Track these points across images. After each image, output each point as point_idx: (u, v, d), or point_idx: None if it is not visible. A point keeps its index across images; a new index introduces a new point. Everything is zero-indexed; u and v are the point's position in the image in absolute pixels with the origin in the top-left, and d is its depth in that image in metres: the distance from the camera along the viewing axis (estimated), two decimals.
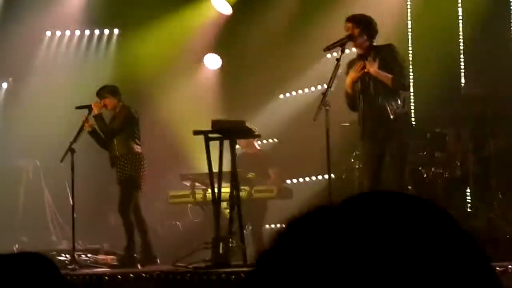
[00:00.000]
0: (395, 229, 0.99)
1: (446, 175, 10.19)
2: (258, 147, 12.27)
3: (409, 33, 12.21)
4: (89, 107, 9.92)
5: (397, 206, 1.03)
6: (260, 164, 11.63)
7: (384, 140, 8.20)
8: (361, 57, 8.34)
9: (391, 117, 8.12)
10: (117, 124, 9.83)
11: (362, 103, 8.21)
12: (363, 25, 8.27)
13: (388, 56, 8.24)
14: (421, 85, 11.66)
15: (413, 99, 11.84)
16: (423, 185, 10.08)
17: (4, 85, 14.65)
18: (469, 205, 10.39)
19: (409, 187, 10.10)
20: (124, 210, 9.79)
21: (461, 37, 11.65)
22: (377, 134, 8.20)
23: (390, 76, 8.11)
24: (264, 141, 13.37)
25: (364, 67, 8.21)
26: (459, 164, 10.30)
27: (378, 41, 8.41)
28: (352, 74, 8.27)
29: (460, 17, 11.68)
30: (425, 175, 10.16)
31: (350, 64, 8.41)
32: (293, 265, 0.99)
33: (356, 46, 8.44)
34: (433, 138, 10.35)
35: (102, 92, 9.99)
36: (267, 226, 11.97)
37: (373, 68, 8.13)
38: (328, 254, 0.98)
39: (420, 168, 10.18)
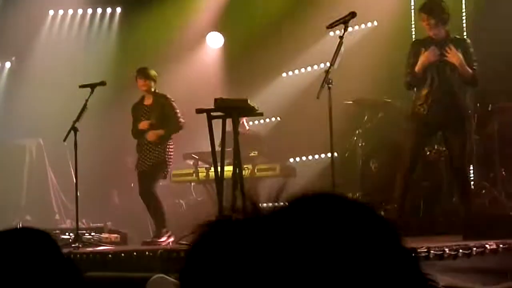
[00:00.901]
0: (316, 232, 1.01)
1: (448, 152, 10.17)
2: (247, 127, 12.26)
3: (412, 23, 12.16)
4: (91, 86, 9.90)
5: (323, 211, 1.05)
6: (249, 144, 11.60)
7: (444, 127, 8.28)
8: (436, 43, 8.32)
9: (464, 107, 8.25)
10: (170, 120, 9.88)
11: (434, 87, 8.27)
12: (437, 14, 8.30)
13: (468, 51, 8.32)
14: None
15: None
16: (426, 162, 10.07)
17: (7, 64, 14.65)
18: (472, 183, 10.38)
19: None
20: (152, 194, 9.82)
21: (464, 24, 11.62)
22: (439, 119, 8.28)
23: (471, 71, 8.21)
24: (267, 119, 13.37)
25: (445, 54, 8.25)
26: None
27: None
28: (430, 57, 8.28)
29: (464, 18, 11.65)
30: (427, 153, 10.15)
31: (422, 45, 8.41)
32: (216, 267, 1.01)
33: (432, 35, 8.44)
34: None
35: (146, 73, 9.97)
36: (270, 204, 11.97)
37: (457, 58, 8.20)
38: (248, 255, 1.00)
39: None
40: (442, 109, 8.28)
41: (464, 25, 11.18)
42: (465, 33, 10.80)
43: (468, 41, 8.63)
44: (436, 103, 8.28)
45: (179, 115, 9.92)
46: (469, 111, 8.50)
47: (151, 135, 9.79)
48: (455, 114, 8.30)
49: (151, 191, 9.83)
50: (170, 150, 9.94)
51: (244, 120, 11.77)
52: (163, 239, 9.68)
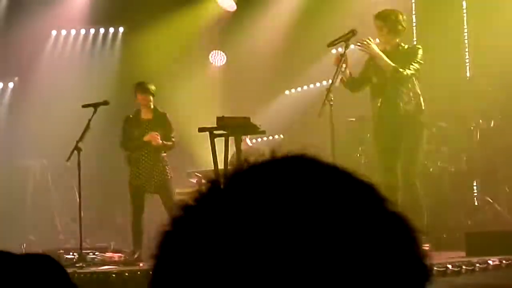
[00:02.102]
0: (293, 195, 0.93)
1: (452, 169, 10.18)
2: (250, 144, 12.28)
3: (414, 27, 12.20)
4: (94, 106, 9.92)
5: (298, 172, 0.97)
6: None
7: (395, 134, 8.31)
8: (387, 54, 8.33)
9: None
10: (169, 138, 9.94)
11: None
12: (390, 22, 8.30)
13: (414, 56, 8.35)
14: (426, 79, 11.64)
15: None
16: (429, 179, 10.07)
17: (11, 84, 14.69)
18: (475, 199, 10.39)
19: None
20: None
21: (466, 30, 11.65)
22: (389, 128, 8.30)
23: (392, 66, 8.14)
24: (270, 137, 13.38)
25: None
26: (465, 158, 10.29)
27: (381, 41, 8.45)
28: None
29: (465, 12, 11.68)
30: (431, 169, 10.16)
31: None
32: (196, 241, 0.94)
33: (382, 42, 8.44)
34: (438, 133, 10.34)
35: (144, 87, 10.02)
36: None
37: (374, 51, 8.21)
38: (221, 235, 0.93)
39: (425, 162, 10.18)
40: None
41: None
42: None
43: (418, 48, 8.55)
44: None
45: (173, 135, 10.00)
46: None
47: (155, 138, 9.80)
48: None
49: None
50: (168, 170, 10.01)
51: (247, 137, 11.78)
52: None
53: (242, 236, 0.91)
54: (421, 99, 8.32)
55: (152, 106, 10.02)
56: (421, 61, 8.34)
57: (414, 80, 8.31)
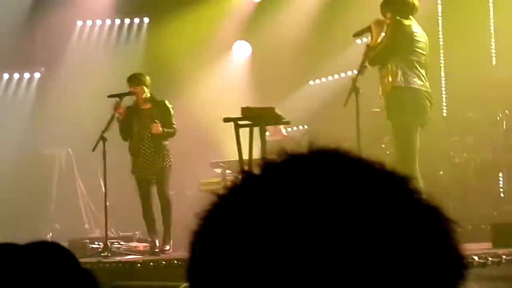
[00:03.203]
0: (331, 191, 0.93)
1: (478, 160, 10.13)
2: (285, 133, 12.26)
3: (439, 18, 12.14)
4: (120, 96, 9.96)
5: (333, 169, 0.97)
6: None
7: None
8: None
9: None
10: (169, 125, 9.95)
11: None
12: (387, 4, 8.16)
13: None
14: (452, 70, 11.60)
15: (444, 84, 11.78)
16: (454, 170, 10.04)
17: (37, 74, 14.76)
18: (501, 190, 10.33)
19: (441, 172, 10.07)
20: (168, 199, 9.99)
21: (491, 21, 11.57)
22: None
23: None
24: (294, 128, 13.36)
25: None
26: (491, 148, 10.24)
27: None
28: None
29: (491, 2, 11.60)
30: (456, 160, 10.11)
31: None
32: (234, 232, 0.95)
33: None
34: (464, 123, 10.29)
35: (135, 80, 10.04)
36: None
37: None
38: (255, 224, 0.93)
39: (451, 152, 10.14)
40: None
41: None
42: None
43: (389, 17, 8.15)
44: None
45: (174, 121, 10.00)
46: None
47: (155, 128, 9.82)
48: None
49: (166, 196, 9.94)
50: (170, 158, 10.03)
51: (281, 126, 11.75)
52: (167, 247, 9.83)
53: (279, 227, 0.92)
54: (399, 74, 7.82)
55: (146, 95, 10.02)
56: (398, 33, 7.91)
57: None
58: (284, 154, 1.00)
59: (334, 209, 0.92)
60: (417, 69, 7.89)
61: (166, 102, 10.12)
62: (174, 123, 10.03)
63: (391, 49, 7.86)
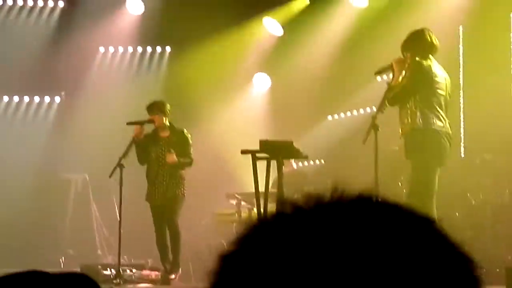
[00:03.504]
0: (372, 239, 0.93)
1: (495, 203, 10.08)
2: (295, 167, 12.29)
3: (461, 58, 12.14)
4: (139, 123, 10.02)
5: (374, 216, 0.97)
6: (296, 183, 11.58)
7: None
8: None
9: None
10: (189, 152, 10.00)
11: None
12: (407, 44, 8.19)
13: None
14: (471, 111, 11.59)
15: (463, 125, 11.76)
16: (470, 211, 9.99)
17: (57, 98, 14.85)
18: None
19: (457, 213, 10.02)
20: (176, 227, 10.01)
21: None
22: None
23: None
24: (311, 162, 13.36)
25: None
26: (507, 191, 10.19)
27: None
28: None
29: None
30: (473, 202, 10.07)
31: None
32: (259, 267, 0.94)
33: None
34: (482, 165, 10.25)
35: (154, 108, 10.10)
36: None
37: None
38: (295, 257, 0.93)
39: (468, 194, 10.10)
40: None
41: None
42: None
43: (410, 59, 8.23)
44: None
45: (191, 151, 10.04)
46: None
47: (170, 157, 9.86)
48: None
49: (175, 224, 9.95)
50: (183, 187, 10.07)
51: (292, 160, 11.77)
52: (173, 276, 9.84)
53: (315, 274, 0.92)
54: (418, 115, 7.90)
55: (165, 124, 10.07)
56: (417, 74, 7.97)
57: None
58: (310, 198, 1.00)
59: (367, 256, 0.92)
60: (437, 110, 7.91)
61: (185, 131, 10.16)
62: (191, 152, 10.06)
63: (410, 90, 7.88)
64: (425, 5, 11.93)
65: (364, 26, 12.89)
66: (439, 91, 7.98)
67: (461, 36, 12.24)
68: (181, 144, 10.03)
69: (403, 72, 7.98)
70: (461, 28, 12.23)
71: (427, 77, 7.91)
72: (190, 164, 10.07)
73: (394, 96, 7.91)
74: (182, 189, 10.02)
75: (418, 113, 7.84)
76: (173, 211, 9.99)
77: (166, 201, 9.99)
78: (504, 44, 11.66)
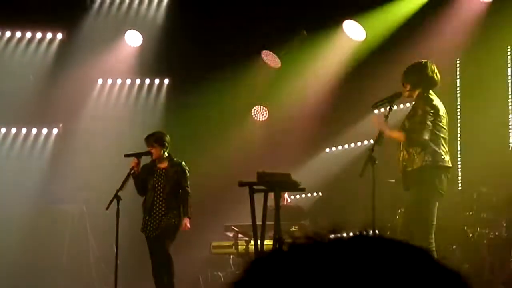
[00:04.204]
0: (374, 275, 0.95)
1: (492, 236, 10.08)
2: (288, 200, 12.31)
3: (458, 92, 12.19)
4: (137, 155, 10.02)
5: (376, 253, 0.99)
6: (292, 217, 11.57)
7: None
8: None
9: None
10: (183, 187, 10.02)
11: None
12: (409, 74, 8.22)
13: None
14: (468, 144, 11.62)
15: (460, 158, 11.77)
16: (467, 245, 9.97)
17: (55, 130, 14.85)
18: None
19: (454, 246, 10.01)
20: (169, 257, 9.93)
21: (510, 97, 11.61)
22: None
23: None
24: (309, 195, 13.36)
25: None
26: (505, 225, 10.18)
27: None
28: None
29: (510, 77, 11.66)
30: (470, 235, 10.06)
31: None
32: None
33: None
34: (479, 198, 10.25)
35: (150, 139, 10.12)
36: None
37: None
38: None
39: (465, 227, 10.09)
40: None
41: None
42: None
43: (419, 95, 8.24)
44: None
45: (188, 183, 10.04)
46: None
47: (186, 224, 9.93)
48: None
49: (166, 251, 9.90)
50: (178, 218, 10.04)
51: (285, 193, 11.79)
52: None
53: None
54: (428, 151, 7.93)
55: (164, 155, 10.08)
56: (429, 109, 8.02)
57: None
58: (308, 235, 1.02)
59: None
60: (443, 145, 7.97)
61: (183, 163, 10.17)
62: (189, 185, 10.07)
63: (425, 126, 7.90)
64: (423, 38, 11.99)
65: (362, 59, 12.95)
66: (443, 126, 8.04)
67: (458, 69, 12.31)
68: (178, 176, 10.04)
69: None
70: (458, 61, 12.29)
71: (435, 112, 7.96)
72: (186, 196, 10.07)
73: (412, 137, 7.91)
74: (177, 220, 10.00)
75: (429, 149, 7.89)
76: (165, 240, 9.95)
77: (160, 230, 9.97)
78: (501, 77, 11.71)
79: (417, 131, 7.94)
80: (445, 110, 8.18)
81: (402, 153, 8.06)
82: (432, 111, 7.96)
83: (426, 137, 7.91)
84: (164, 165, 10.09)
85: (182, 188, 10.02)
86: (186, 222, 9.95)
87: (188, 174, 10.11)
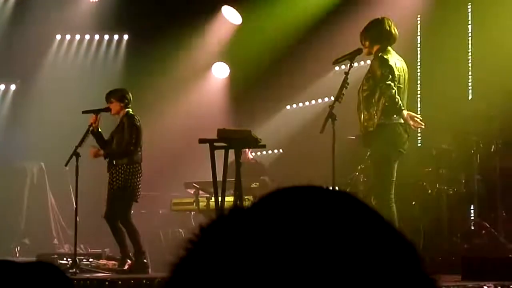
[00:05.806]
0: (310, 227, 0.95)
1: (451, 192, 10.17)
2: (251, 156, 12.33)
3: (418, 48, 12.22)
4: (95, 112, 9.90)
5: (309, 202, 1.00)
6: (253, 173, 11.60)
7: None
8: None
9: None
10: (126, 138, 9.77)
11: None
12: (367, 32, 8.19)
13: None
14: (428, 101, 11.67)
15: (420, 115, 11.82)
16: (426, 201, 10.05)
17: (12, 86, 14.69)
18: (472, 222, 10.37)
19: (413, 202, 10.10)
20: (119, 219, 9.77)
21: (470, 54, 11.66)
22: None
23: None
24: (269, 151, 13.37)
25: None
26: (463, 181, 10.28)
27: None
28: None
29: (470, 34, 11.70)
30: (429, 191, 10.14)
31: None
32: (210, 271, 0.96)
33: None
34: (438, 155, 10.33)
35: (110, 96, 10.00)
36: None
37: None
38: (243, 257, 0.95)
39: (424, 183, 10.17)
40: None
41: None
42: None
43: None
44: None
45: (134, 135, 9.82)
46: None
47: (93, 152, 9.76)
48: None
49: (119, 216, 9.78)
50: (120, 179, 9.81)
51: (248, 150, 11.79)
52: (126, 267, 9.72)
53: (263, 262, 0.94)
54: (383, 111, 7.96)
55: (123, 111, 9.91)
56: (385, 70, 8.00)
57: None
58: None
59: (312, 248, 0.94)
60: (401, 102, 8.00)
61: (135, 116, 9.95)
62: (132, 137, 9.77)
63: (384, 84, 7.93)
64: None
65: (323, 16, 12.91)
66: (400, 85, 8.06)
67: (419, 26, 12.33)
68: (122, 131, 9.83)
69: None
70: (419, 18, 12.31)
71: (391, 71, 7.96)
72: (127, 152, 9.79)
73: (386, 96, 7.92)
74: (119, 182, 9.74)
75: (384, 109, 7.91)
76: (111, 207, 9.77)
77: (112, 192, 9.81)
78: (462, 34, 11.75)
79: (384, 89, 7.95)
80: (404, 67, 8.18)
81: (362, 113, 8.07)
82: (388, 70, 7.98)
83: (393, 91, 7.94)
84: (122, 120, 9.99)
85: (122, 140, 9.78)
86: (96, 150, 9.72)
87: (134, 126, 9.81)
